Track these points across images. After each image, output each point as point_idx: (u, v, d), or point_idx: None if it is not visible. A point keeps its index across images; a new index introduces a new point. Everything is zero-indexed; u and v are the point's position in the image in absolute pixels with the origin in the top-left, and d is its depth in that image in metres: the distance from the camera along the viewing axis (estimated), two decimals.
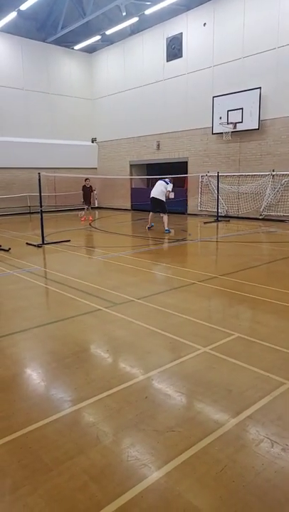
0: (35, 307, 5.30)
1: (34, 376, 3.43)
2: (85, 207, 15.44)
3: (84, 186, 15.15)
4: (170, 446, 2.47)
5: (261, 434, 2.57)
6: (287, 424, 2.68)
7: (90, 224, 14.87)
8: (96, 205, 21.76)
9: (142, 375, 3.34)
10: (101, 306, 5.17)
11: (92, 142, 22.02)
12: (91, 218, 16.00)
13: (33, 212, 18.54)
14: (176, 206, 17.80)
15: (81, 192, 15.30)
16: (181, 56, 16.79)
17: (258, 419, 2.73)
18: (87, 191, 15.18)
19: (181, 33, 16.59)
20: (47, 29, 18.73)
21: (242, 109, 14.50)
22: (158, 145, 18.47)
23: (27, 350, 3.93)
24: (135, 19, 16.52)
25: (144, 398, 3.00)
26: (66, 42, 19.48)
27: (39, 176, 9.97)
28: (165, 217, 12.17)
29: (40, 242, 9.95)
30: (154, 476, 2.22)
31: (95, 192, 21.58)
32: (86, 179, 15.17)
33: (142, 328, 4.41)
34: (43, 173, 10.48)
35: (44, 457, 2.39)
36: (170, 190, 12.05)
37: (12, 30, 17.85)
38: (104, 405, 2.91)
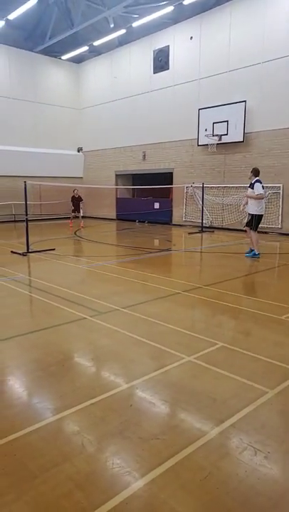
0: (19, 315, 5.27)
1: (19, 384, 3.41)
2: (78, 215, 16.52)
3: (73, 197, 16.21)
4: (154, 453, 2.49)
5: (244, 442, 2.62)
6: (270, 432, 2.73)
7: (74, 233, 14.86)
8: (81, 214, 21.71)
9: (126, 384, 3.36)
10: (86, 314, 5.18)
11: (79, 151, 22.08)
12: (82, 225, 16.59)
13: (17, 221, 18.41)
14: (161, 216, 17.98)
15: (70, 202, 16.43)
16: (167, 68, 17.09)
17: (242, 427, 2.78)
18: (76, 201, 16.27)
19: (168, 46, 16.90)
20: (35, 39, 18.83)
21: (227, 121, 14.79)
22: (144, 155, 18.65)
23: (11, 359, 3.90)
24: (123, 31, 16.77)
25: (128, 406, 3.02)
26: (54, 52, 19.61)
27: (25, 185, 9.95)
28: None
29: (25, 250, 9.89)
30: (139, 483, 2.24)
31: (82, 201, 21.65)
32: (74, 190, 16.16)
33: (126, 337, 4.43)
34: (28, 181, 10.47)
35: (29, 465, 2.39)
36: (261, 192, 9.16)
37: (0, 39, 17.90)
38: (89, 413, 2.92)
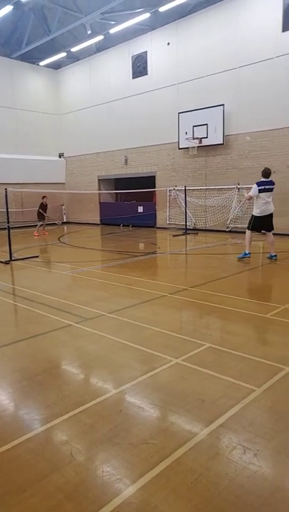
0: (3, 325, 5.19)
1: (4, 395, 3.35)
2: (40, 223, 16.03)
3: (42, 204, 15.68)
4: (145, 458, 2.47)
5: (234, 441, 2.62)
6: (258, 429, 2.74)
7: (58, 239, 14.76)
8: (64, 220, 21.64)
9: (115, 389, 3.33)
10: (72, 321, 5.13)
11: (60, 157, 21.98)
12: (46, 233, 16.20)
13: None
14: (145, 220, 18.01)
15: (40, 209, 15.78)
16: (146, 74, 17.19)
17: (231, 426, 2.78)
18: (44, 208, 15.77)
19: (146, 52, 17.01)
20: (12, 45, 18.72)
21: (207, 124, 14.94)
22: (126, 160, 18.67)
23: None
24: (100, 37, 16.81)
25: (118, 412, 2.99)
26: (31, 58, 19.52)
27: (6, 192, 9.84)
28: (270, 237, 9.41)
29: (7, 258, 9.76)
30: (130, 490, 2.21)
31: (63, 207, 21.55)
32: (44, 196, 15.68)
33: (113, 342, 4.41)
34: (9, 188, 10.36)
35: (17, 478, 2.34)
36: (250, 194, 9.12)
37: None
38: (78, 421, 2.88)
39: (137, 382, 3.43)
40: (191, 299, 6.11)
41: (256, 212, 9.00)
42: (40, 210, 15.71)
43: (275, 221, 9.25)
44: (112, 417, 2.93)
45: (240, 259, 9.27)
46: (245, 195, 9.25)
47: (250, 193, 8.90)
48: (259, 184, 8.85)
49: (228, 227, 15.04)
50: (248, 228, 9.20)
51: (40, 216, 15.77)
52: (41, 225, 16.10)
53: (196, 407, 3.04)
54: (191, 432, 2.74)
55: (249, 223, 9.18)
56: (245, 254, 9.27)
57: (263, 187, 8.80)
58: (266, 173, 8.95)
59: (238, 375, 3.52)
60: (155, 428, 2.80)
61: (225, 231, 15.04)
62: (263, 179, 8.92)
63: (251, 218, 9.15)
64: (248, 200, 9.10)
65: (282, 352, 4.02)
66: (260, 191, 8.77)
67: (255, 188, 8.82)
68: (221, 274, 7.90)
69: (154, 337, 4.53)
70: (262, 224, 9.05)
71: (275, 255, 9.12)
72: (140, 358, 3.95)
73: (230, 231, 14.95)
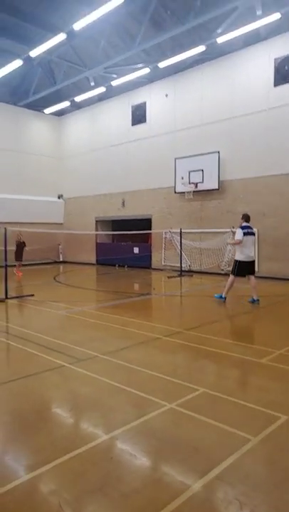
0: None
1: None
2: (18, 262, 14.90)
3: (17, 241, 14.69)
4: (136, 511, 2.36)
5: (229, 494, 2.52)
6: (255, 482, 2.65)
7: (54, 278, 14.74)
8: (61, 260, 21.72)
9: (106, 434, 3.24)
10: (65, 362, 5.04)
11: (59, 198, 22.42)
12: (20, 273, 14.94)
13: None
14: (141, 261, 18.12)
15: (15, 248, 14.65)
16: (145, 121, 17.96)
17: (226, 478, 2.69)
18: (21, 247, 14.82)
19: (145, 102, 17.88)
20: (19, 94, 19.62)
21: (202, 170, 15.43)
22: (123, 202, 19.07)
23: None
24: (102, 89, 17.69)
25: (109, 459, 2.90)
26: (37, 106, 20.40)
27: (5, 231, 9.94)
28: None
29: (3, 296, 9.70)
30: None
31: (60, 246, 21.69)
32: (18, 234, 14.69)
33: (106, 384, 4.32)
34: (8, 227, 10.47)
35: None
36: (238, 238, 9.14)
37: None
38: (68, 468, 2.78)
39: (129, 428, 3.34)
40: (186, 341, 6.05)
41: (241, 257, 9.11)
42: (18, 248, 14.73)
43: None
44: (103, 464, 2.83)
45: (216, 299, 9.33)
46: (229, 241, 9.26)
47: (237, 238, 9.05)
48: (243, 228, 9.07)
49: (222, 270, 15.14)
50: (233, 274, 9.24)
51: (19, 255, 14.81)
52: (19, 264, 15.04)
53: (190, 456, 2.95)
54: (185, 483, 2.64)
55: (234, 269, 9.22)
56: (221, 297, 9.34)
57: (246, 230, 9.04)
58: (247, 217, 9.26)
59: (234, 422, 3.44)
60: (148, 477, 2.70)
61: (220, 273, 15.12)
62: (244, 224, 9.17)
63: (236, 264, 9.20)
64: (237, 244, 9.16)
65: (278, 399, 3.95)
66: (244, 234, 8.98)
67: (240, 232, 9.01)
68: (215, 317, 7.87)
69: (148, 380, 4.45)
70: (246, 269, 9.17)
71: (258, 299, 9.12)
72: (133, 402, 3.86)
73: (225, 274, 15.03)
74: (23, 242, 14.96)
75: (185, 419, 3.52)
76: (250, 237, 9.11)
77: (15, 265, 14.87)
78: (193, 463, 2.86)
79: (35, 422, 3.45)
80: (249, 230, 9.10)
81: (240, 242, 9.02)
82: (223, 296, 9.33)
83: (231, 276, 9.28)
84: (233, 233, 14.68)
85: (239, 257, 9.11)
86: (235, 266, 9.17)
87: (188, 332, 6.64)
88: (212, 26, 13.47)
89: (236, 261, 9.18)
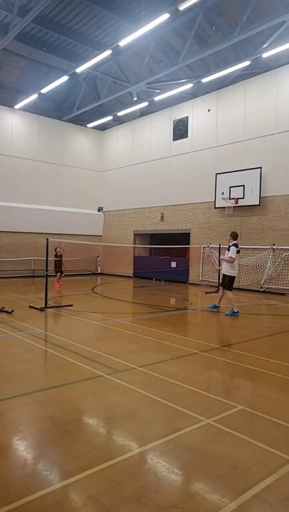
0: (36, 371, 5.25)
1: (33, 442, 3.34)
2: (59, 272, 14.97)
3: (56, 255, 14.77)
4: None
5: None
6: None
7: (92, 289, 14.99)
8: (99, 271, 22.10)
9: (144, 446, 3.26)
10: (102, 372, 5.13)
11: (99, 211, 22.92)
12: (59, 285, 15.04)
13: (36, 276, 18.78)
14: (178, 275, 18.10)
15: (54, 260, 14.71)
16: (186, 136, 18.12)
17: (265, 498, 2.64)
18: (59, 259, 14.90)
19: (187, 117, 18.07)
20: (63, 109, 20.42)
21: (243, 186, 15.31)
22: (162, 216, 19.21)
23: (27, 415, 3.85)
24: (145, 104, 18.08)
25: (146, 470, 2.92)
26: (80, 120, 21.15)
27: (47, 241, 10.28)
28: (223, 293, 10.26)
29: (43, 305, 10.00)
30: None
31: (98, 258, 22.08)
32: (57, 248, 14.89)
33: (143, 396, 4.35)
34: (50, 238, 10.81)
35: None
36: (232, 256, 9.74)
37: (31, 109, 19.50)
38: (106, 476, 2.83)
39: (166, 440, 3.35)
40: (223, 358, 5.98)
41: (233, 272, 9.95)
42: (57, 260, 14.80)
43: None
44: (141, 475, 2.86)
45: (232, 315, 9.74)
46: (226, 257, 9.89)
47: (232, 255, 9.70)
48: (236, 246, 9.80)
49: (262, 287, 14.84)
50: (229, 289, 9.95)
51: (58, 267, 14.89)
52: (59, 275, 15.13)
53: (228, 472, 2.92)
54: (222, 500, 2.61)
55: (228, 284, 9.93)
56: (234, 312, 9.78)
57: (238, 248, 9.86)
58: (236, 235, 10.14)
59: (273, 442, 3.37)
60: (184, 492, 2.70)
61: (258, 291, 14.83)
62: (235, 242, 9.89)
63: (228, 279, 9.92)
64: (232, 262, 9.78)
65: None
66: (237, 252, 9.81)
67: (234, 249, 9.72)
68: (253, 335, 7.72)
69: (185, 394, 4.44)
70: (233, 282, 10.11)
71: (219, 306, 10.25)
72: (170, 415, 3.87)
73: (263, 291, 14.73)
74: (61, 255, 15.06)
75: (222, 435, 3.48)
76: (238, 254, 9.97)
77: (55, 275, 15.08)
78: (231, 480, 2.82)
79: (73, 430, 3.53)
80: (238, 248, 9.96)
81: (233, 260, 9.78)
82: (235, 311, 9.81)
83: (228, 291, 9.97)
84: (273, 250, 14.49)
85: (231, 272, 9.92)
86: (229, 281, 9.94)
87: (225, 348, 6.56)
88: (258, 41, 13.50)
89: (230, 276, 9.93)
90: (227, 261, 9.83)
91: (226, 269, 9.93)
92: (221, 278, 10.52)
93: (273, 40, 12.92)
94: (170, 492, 2.67)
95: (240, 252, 10.55)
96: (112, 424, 3.73)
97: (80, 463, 2.99)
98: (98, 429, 3.65)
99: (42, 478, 2.80)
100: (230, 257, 9.70)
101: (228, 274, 9.89)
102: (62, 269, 15.04)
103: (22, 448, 3.24)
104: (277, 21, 11.62)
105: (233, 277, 9.97)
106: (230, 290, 9.98)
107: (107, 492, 2.65)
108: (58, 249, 14.91)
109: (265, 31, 12.54)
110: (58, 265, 14.91)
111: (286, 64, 14.37)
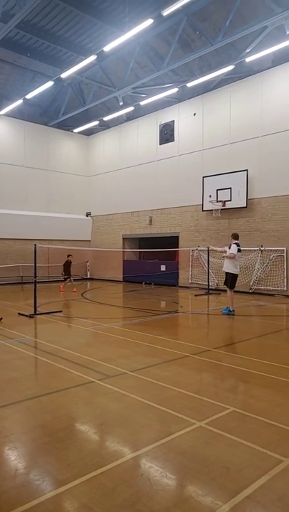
0: (27, 378, 5.20)
1: (25, 451, 3.30)
2: (69, 278, 16.01)
3: (67, 261, 15.94)
4: None
5: None
6: (288, 505, 2.59)
7: (82, 294, 14.94)
8: (88, 276, 22.01)
9: (136, 451, 3.25)
10: (94, 378, 5.10)
11: (87, 216, 22.87)
12: (75, 289, 15.87)
13: (25, 283, 18.63)
14: (167, 278, 18.13)
15: (62, 265, 16.22)
16: (173, 140, 18.23)
17: (258, 499, 2.65)
18: (69, 265, 16.00)
19: (173, 121, 18.18)
20: (49, 115, 20.39)
21: (230, 188, 15.44)
22: (150, 220, 19.25)
23: (18, 424, 3.81)
24: (131, 108, 18.15)
25: (139, 476, 2.90)
26: (66, 126, 21.12)
27: (35, 248, 10.22)
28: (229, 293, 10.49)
29: (32, 312, 9.92)
30: None
31: (88, 263, 22.04)
32: (69, 255, 15.98)
33: (135, 401, 4.34)
34: (38, 244, 10.76)
35: None
36: (233, 252, 10.00)
37: (16, 115, 19.42)
38: (99, 483, 2.80)
39: (159, 445, 3.34)
40: (214, 360, 6.00)
41: (236, 271, 10.15)
42: (66, 266, 15.95)
43: None
44: (134, 480, 2.84)
45: (224, 314, 10.03)
46: (227, 253, 10.09)
47: (233, 252, 9.93)
48: (237, 244, 10.06)
49: (251, 289, 14.94)
50: (232, 288, 10.15)
51: (67, 272, 15.97)
52: (69, 281, 16.00)
53: (220, 475, 2.92)
54: (216, 502, 2.61)
55: (232, 282, 10.09)
56: (230, 311, 10.06)
57: (239, 247, 10.09)
58: (237, 235, 10.42)
59: (265, 443, 3.38)
60: (178, 496, 2.69)
61: (248, 292, 14.93)
62: (236, 241, 10.14)
63: (231, 277, 10.08)
64: (231, 258, 9.99)
65: None
66: (238, 251, 10.04)
67: (235, 247, 9.96)
68: (244, 336, 7.77)
69: (177, 398, 4.44)
70: (236, 281, 10.27)
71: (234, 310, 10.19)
72: (162, 419, 3.86)
73: (253, 292, 14.83)
74: (71, 262, 16.10)
75: (215, 437, 3.48)
76: (239, 253, 10.23)
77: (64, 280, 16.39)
78: (223, 482, 2.82)
79: (65, 437, 3.49)
80: (239, 247, 10.17)
81: (234, 256, 9.96)
82: (231, 309, 10.08)
83: (231, 291, 10.20)
84: (261, 251, 14.62)
85: (234, 270, 10.09)
86: (232, 279, 10.10)
87: (216, 350, 6.58)
88: (241, 46, 13.69)
89: (233, 274, 10.09)
90: (228, 257, 10.04)
91: (228, 267, 10.12)
92: (225, 277, 10.56)
93: (256, 45, 13.10)
94: (163, 497, 2.66)
95: (241, 251, 10.69)
96: (104, 430, 3.70)
97: (72, 471, 2.96)
98: (90, 435, 3.63)
99: (34, 488, 2.77)
100: (231, 253, 9.92)
101: (230, 271, 10.09)
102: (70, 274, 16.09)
103: (13, 458, 3.20)
104: (260, 26, 11.82)
105: (236, 275, 10.15)
106: (233, 289, 10.18)
107: (100, 499, 2.63)
108: (70, 256, 15.97)
109: (248, 36, 12.73)
110: (66, 270, 15.92)
111: (269, 68, 14.59)
